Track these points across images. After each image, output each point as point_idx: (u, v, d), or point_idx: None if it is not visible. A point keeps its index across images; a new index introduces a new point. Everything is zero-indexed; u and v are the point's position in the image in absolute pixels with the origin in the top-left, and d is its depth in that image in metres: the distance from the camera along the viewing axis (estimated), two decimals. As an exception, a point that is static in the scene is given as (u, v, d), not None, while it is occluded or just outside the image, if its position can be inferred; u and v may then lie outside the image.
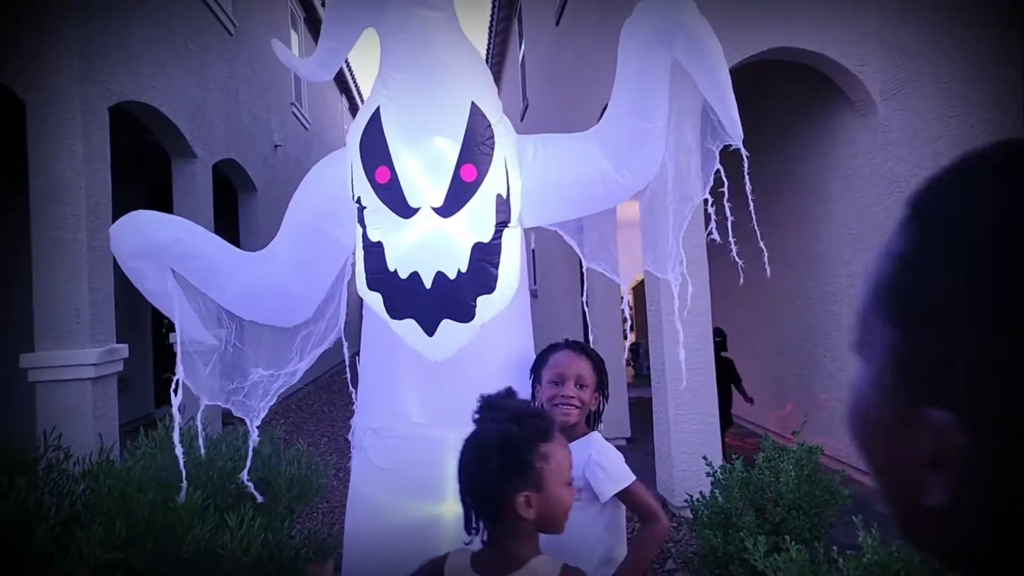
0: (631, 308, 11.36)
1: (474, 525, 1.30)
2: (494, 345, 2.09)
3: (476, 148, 2.11)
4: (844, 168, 5.30)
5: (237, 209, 8.72)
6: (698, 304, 4.42)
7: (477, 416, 1.37)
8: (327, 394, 9.89)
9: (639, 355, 10.58)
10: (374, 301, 2.16)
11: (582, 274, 7.60)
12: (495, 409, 1.34)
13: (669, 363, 4.45)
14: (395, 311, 2.13)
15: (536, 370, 2.06)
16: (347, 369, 2.55)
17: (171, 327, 8.16)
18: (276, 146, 9.75)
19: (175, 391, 2.32)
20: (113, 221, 4.44)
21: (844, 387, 5.41)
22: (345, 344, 2.58)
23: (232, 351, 2.51)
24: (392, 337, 2.13)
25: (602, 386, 2.01)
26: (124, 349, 4.46)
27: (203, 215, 6.46)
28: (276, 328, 2.56)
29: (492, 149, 2.14)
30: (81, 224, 4.17)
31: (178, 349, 2.37)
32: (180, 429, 2.45)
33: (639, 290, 7.87)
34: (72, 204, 4.16)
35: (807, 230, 5.73)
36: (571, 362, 1.97)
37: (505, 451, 1.25)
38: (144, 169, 7.63)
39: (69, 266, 4.15)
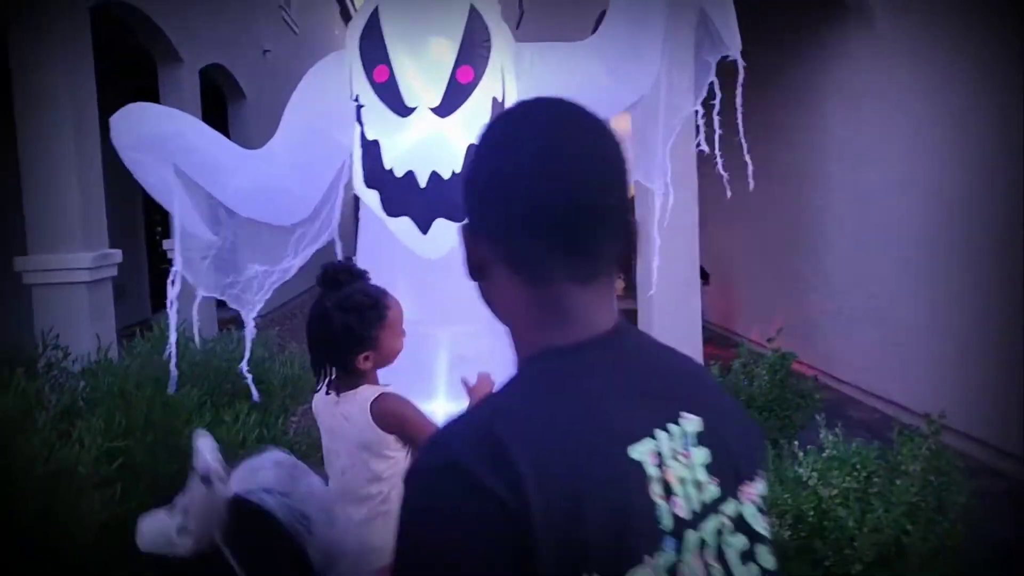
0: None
1: (323, 376, 1.69)
2: None
3: (474, 51, 2.13)
4: (841, 82, 5.24)
5: (227, 117, 8.59)
6: (685, 216, 4.45)
7: (320, 283, 1.70)
8: (291, 328, 9.84)
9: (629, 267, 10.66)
10: (371, 199, 2.21)
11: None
12: (337, 286, 1.68)
13: (655, 271, 4.52)
14: (391, 209, 2.18)
15: None
16: None
17: (165, 234, 8.15)
18: (265, 51, 9.52)
19: (172, 282, 2.39)
20: (100, 128, 4.43)
21: (827, 299, 5.53)
22: (339, 244, 2.63)
23: (229, 247, 2.55)
24: (387, 237, 2.19)
25: None
26: (118, 254, 4.51)
27: (192, 121, 6.38)
28: (273, 226, 2.60)
29: (489, 52, 2.16)
30: (68, 130, 4.14)
31: (176, 242, 2.41)
32: (176, 329, 2.54)
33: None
34: (58, 109, 4.12)
35: (800, 144, 5.72)
36: None
37: (347, 333, 1.63)
38: (130, 75, 7.48)
39: (58, 171, 4.14)
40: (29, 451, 1.73)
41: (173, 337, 2.44)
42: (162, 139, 2.37)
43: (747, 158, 2.41)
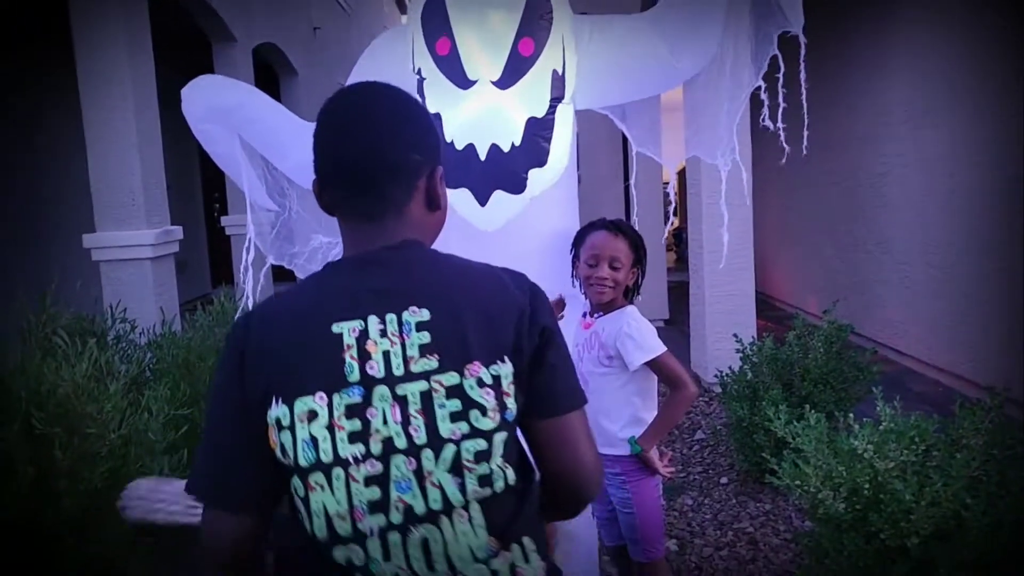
0: (676, 193, 11.22)
1: None
2: (542, 218, 2.15)
3: (535, 23, 2.14)
4: (902, 43, 5.03)
5: (279, 95, 8.73)
6: (739, 190, 4.37)
7: None
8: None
9: (682, 240, 10.53)
10: None
11: (626, 158, 7.50)
12: None
13: (707, 245, 4.47)
14: (450, 180, 2.16)
15: (576, 246, 2.14)
16: None
17: (223, 211, 8.34)
18: (315, 28, 9.60)
19: (247, 249, 2.48)
20: (159, 107, 4.55)
21: (888, 269, 5.38)
22: None
23: (295, 217, 2.63)
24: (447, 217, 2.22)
25: (639, 262, 2.09)
26: (179, 231, 4.65)
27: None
28: None
29: (550, 24, 2.16)
30: (129, 106, 4.27)
31: (248, 211, 2.49)
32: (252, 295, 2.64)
33: (683, 175, 7.76)
34: (119, 84, 4.24)
35: (860, 109, 5.53)
36: (607, 243, 2.04)
37: None
38: (187, 54, 7.65)
39: (121, 148, 4.28)
40: (103, 417, 1.83)
41: (251, 301, 2.53)
42: (228, 110, 2.44)
43: (805, 133, 2.37)
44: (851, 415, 2.16)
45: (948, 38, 4.58)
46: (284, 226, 2.63)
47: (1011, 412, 2.50)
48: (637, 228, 2.25)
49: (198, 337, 2.94)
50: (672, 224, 10.91)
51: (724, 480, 3.47)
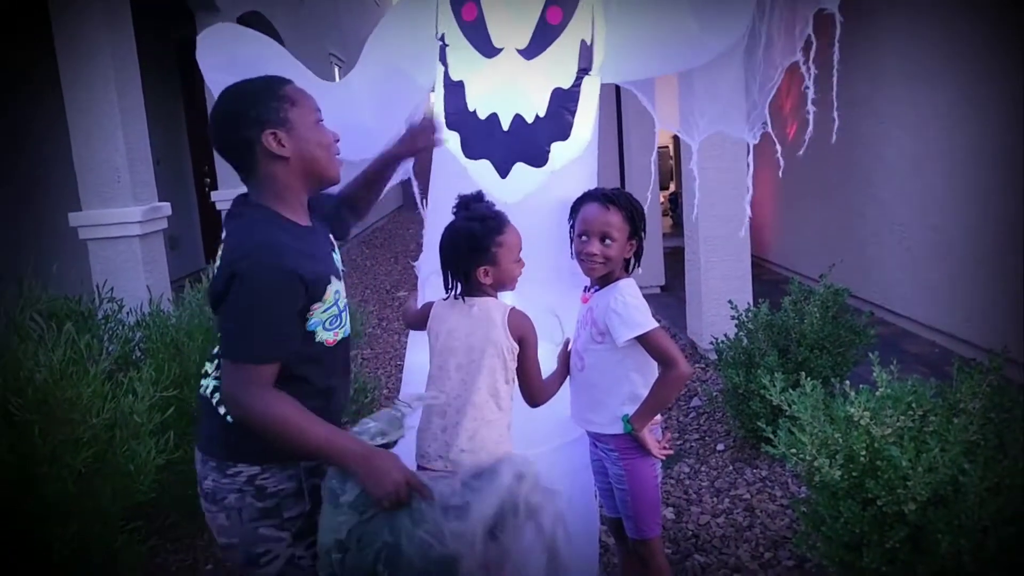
0: (671, 158, 11.11)
1: (450, 287, 1.80)
2: (563, 192, 2.08)
3: None
4: (898, 3, 4.92)
5: (267, 65, 8.57)
6: (736, 153, 4.31)
7: (455, 211, 1.82)
8: (369, 248, 10.11)
9: (677, 206, 10.45)
10: (450, 140, 2.19)
11: (620, 125, 7.36)
12: (467, 208, 1.81)
13: (701, 210, 4.41)
14: (471, 151, 2.16)
15: (571, 218, 2.05)
16: (419, 204, 2.75)
17: (213, 185, 8.28)
18: (302, -4, 9.40)
19: None
20: (144, 79, 4.46)
21: (885, 230, 5.33)
22: (415, 183, 2.71)
23: None
24: (462, 180, 2.16)
25: (636, 233, 1.99)
26: (167, 207, 4.59)
27: (232, 71, 6.38)
28: (347, 161, 2.69)
29: None
30: (110, 83, 4.17)
31: None
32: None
33: (678, 140, 7.66)
34: (99, 63, 4.14)
35: (852, 68, 5.43)
36: (597, 216, 1.94)
37: (470, 239, 1.73)
38: (170, 25, 7.49)
39: (103, 126, 4.19)
40: (82, 402, 1.79)
41: None
42: (245, 61, 2.36)
43: (835, 115, 2.38)
44: (847, 382, 2.12)
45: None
46: None
47: (1010, 373, 2.48)
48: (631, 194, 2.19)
49: (186, 315, 2.90)
50: (671, 189, 10.84)
51: (721, 447, 3.46)
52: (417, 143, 1.95)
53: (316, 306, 1.47)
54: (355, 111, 2.48)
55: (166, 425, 2.22)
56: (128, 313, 3.13)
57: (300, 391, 1.46)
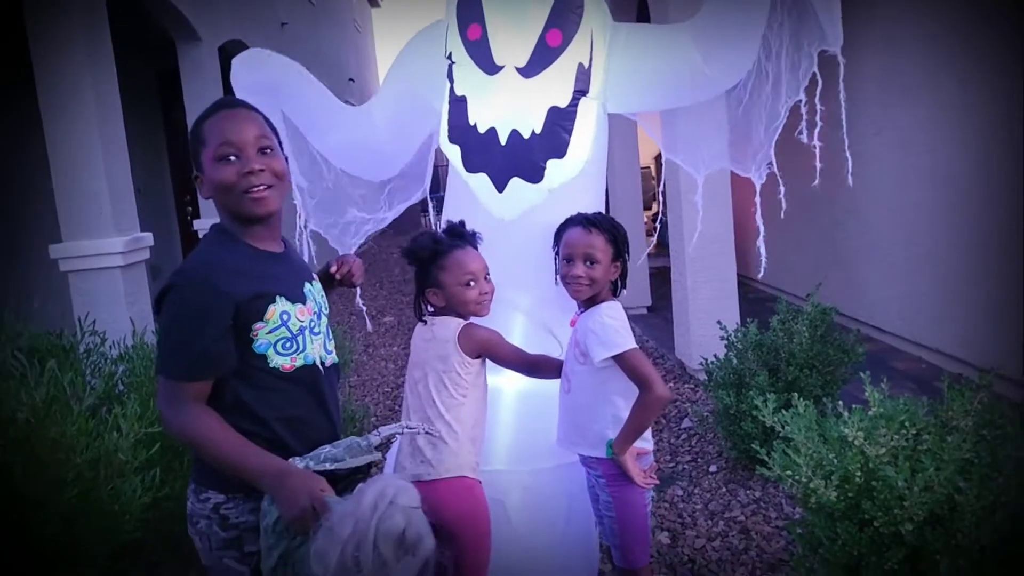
0: (654, 179, 11.19)
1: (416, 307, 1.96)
2: (564, 213, 2.10)
3: (565, 15, 2.18)
4: (877, 20, 5.00)
5: (249, 93, 8.57)
6: (719, 176, 4.34)
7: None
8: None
9: (662, 225, 10.50)
10: (452, 154, 2.32)
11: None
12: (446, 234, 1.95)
13: (686, 231, 4.43)
14: (470, 164, 2.27)
15: (556, 243, 2.06)
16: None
17: (196, 214, 8.24)
18: (283, 24, 9.44)
19: (300, 215, 2.65)
20: (123, 114, 4.43)
21: (868, 247, 5.37)
22: (431, 203, 2.87)
23: (332, 191, 2.76)
24: (468, 196, 2.28)
25: (619, 255, 2.00)
26: (149, 237, 4.54)
27: (213, 99, 6.37)
28: (365, 180, 2.82)
29: (580, 19, 2.20)
30: (91, 115, 4.14)
31: (292, 181, 2.55)
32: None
33: (659, 160, 7.71)
34: (79, 95, 4.12)
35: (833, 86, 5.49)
36: (580, 240, 1.95)
37: (416, 262, 1.90)
38: (150, 57, 7.48)
39: (84, 157, 4.16)
40: (66, 441, 1.75)
41: (308, 256, 2.64)
42: (275, 85, 2.52)
43: (847, 154, 2.50)
44: (839, 401, 2.12)
45: (926, 17, 4.56)
46: (323, 198, 2.76)
47: (999, 389, 2.47)
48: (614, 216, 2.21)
49: (170, 348, 2.85)
50: (653, 209, 10.90)
51: (713, 468, 3.44)
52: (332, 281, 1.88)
53: (259, 326, 1.45)
54: (373, 135, 2.61)
55: (151, 462, 2.17)
56: (111, 346, 3.08)
57: (252, 418, 1.45)
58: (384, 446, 1.58)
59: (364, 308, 3.05)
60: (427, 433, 1.76)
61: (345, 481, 1.47)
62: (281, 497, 1.35)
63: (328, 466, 1.43)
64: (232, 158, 1.47)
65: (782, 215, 2.39)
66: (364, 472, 1.53)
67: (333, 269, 1.83)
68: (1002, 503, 1.80)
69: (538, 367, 2.02)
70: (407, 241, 1.95)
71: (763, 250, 2.52)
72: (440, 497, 1.69)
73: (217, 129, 1.49)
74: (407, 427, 1.69)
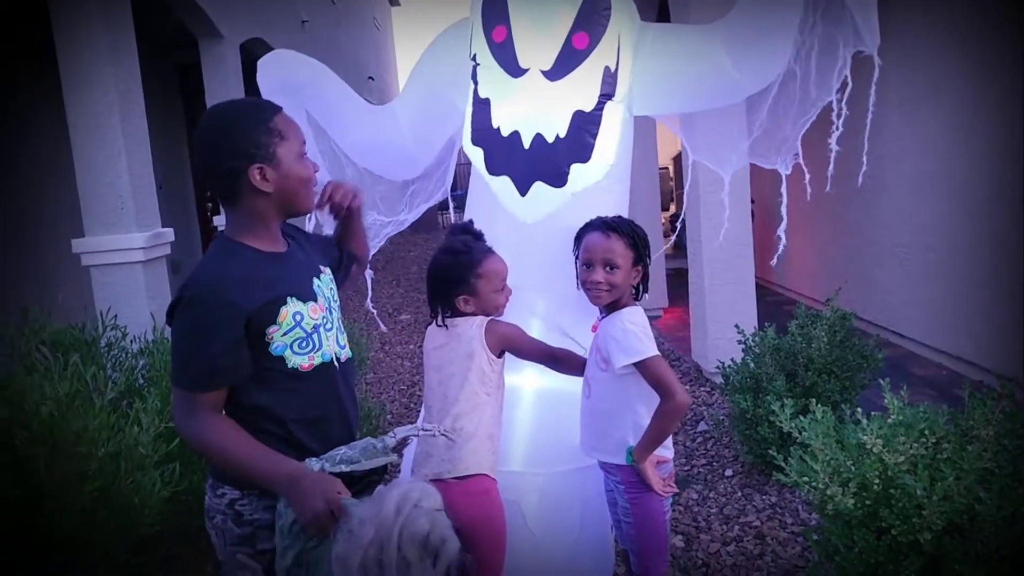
0: (672, 180, 11.15)
1: (434, 313, 1.95)
2: (586, 217, 2.08)
3: (592, 17, 2.15)
4: (896, 26, 4.96)
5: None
6: (739, 175, 4.31)
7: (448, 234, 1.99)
8: (372, 271, 10.09)
9: (681, 227, 10.46)
10: (475, 156, 2.30)
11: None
12: (451, 238, 1.96)
13: (705, 233, 4.41)
14: (493, 167, 2.25)
15: (576, 248, 2.04)
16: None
17: (216, 210, 8.29)
18: (303, 22, 9.50)
19: (309, 220, 2.63)
20: (150, 104, 4.47)
21: (886, 252, 5.32)
22: (452, 204, 2.88)
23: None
24: (490, 198, 2.26)
25: (640, 260, 1.98)
26: (170, 233, 4.58)
27: (234, 96, 6.42)
28: (389, 180, 2.81)
29: (608, 21, 2.16)
30: (114, 110, 4.19)
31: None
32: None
33: (679, 161, 7.67)
34: (103, 90, 4.16)
35: (855, 91, 5.45)
36: (599, 245, 1.93)
37: (447, 271, 1.89)
38: (173, 53, 7.55)
39: (107, 152, 4.20)
40: (88, 435, 1.77)
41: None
42: (300, 85, 2.53)
43: (864, 158, 2.60)
44: (858, 408, 2.10)
45: (943, 22, 4.51)
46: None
47: (1021, 397, 2.45)
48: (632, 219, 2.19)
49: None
50: (671, 210, 10.86)
51: (729, 472, 3.43)
52: (334, 208, 1.85)
53: (272, 329, 1.47)
54: (396, 135, 2.60)
55: (171, 456, 2.20)
56: (131, 340, 3.11)
57: (271, 420, 1.47)
58: (399, 447, 1.59)
59: (375, 311, 3.03)
60: (443, 435, 1.76)
61: (361, 483, 1.48)
62: (295, 500, 1.36)
63: (344, 468, 1.44)
64: (307, 155, 1.57)
65: (801, 216, 2.35)
66: (379, 474, 1.54)
67: (322, 210, 1.80)
68: (1022, 513, 1.78)
69: (561, 360, 2.02)
70: (438, 252, 1.93)
71: (783, 238, 2.47)
72: (457, 498, 1.69)
73: (292, 128, 1.54)
74: (423, 428, 1.69)
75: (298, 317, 1.50)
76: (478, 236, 1.96)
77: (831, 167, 2.30)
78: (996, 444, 1.89)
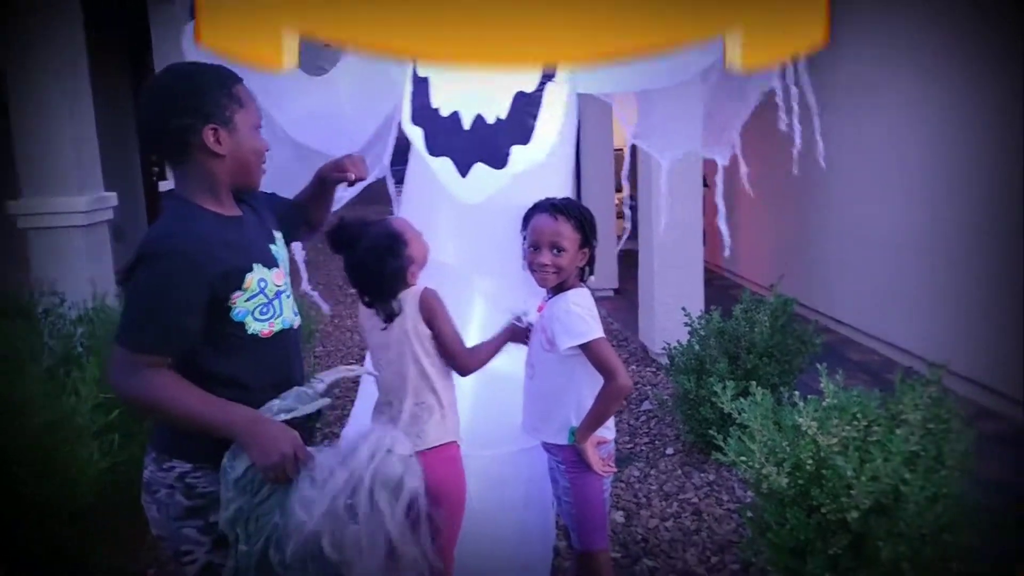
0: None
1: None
2: (529, 197, 2.06)
3: None
4: (842, 26, 5.05)
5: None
6: (690, 163, 4.37)
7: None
8: (321, 243, 9.96)
9: (634, 211, 10.55)
10: (415, 136, 2.26)
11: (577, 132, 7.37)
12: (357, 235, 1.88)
13: (654, 216, 4.47)
14: (433, 148, 2.22)
15: (523, 228, 2.04)
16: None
17: (161, 175, 8.04)
18: (257, -16, 9.22)
19: None
20: (89, 66, 4.30)
21: (829, 241, 5.48)
22: (391, 182, 2.73)
23: (287, 166, 2.58)
24: (431, 178, 2.23)
25: (587, 242, 1.99)
26: (113, 197, 4.44)
27: (185, 59, 6.21)
28: (326, 156, 2.69)
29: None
30: (56, 67, 4.02)
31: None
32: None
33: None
34: (43, 48, 3.99)
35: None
36: (547, 227, 1.92)
37: (386, 264, 1.79)
38: (120, 10, 7.26)
39: (48, 115, 4.04)
40: (25, 402, 1.73)
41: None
42: None
43: (818, 137, 2.55)
44: (796, 391, 2.17)
45: (892, 21, 4.62)
46: (275, 173, 2.65)
47: (948, 383, 2.55)
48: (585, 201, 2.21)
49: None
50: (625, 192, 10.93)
51: (670, 451, 3.51)
52: (329, 177, 1.92)
53: (237, 295, 1.45)
54: (336, 103, 2.52)
55: (110, 427, 2.15)
56: (70, 307, 3.02)
57: (228, 385, 1.45)
58: (329, 391, 1.57)
59: (316, 293, 2.94)
60: (369, 373, 1.78)
61: (300, 430, 1.48)
62: (259, 444, 1.36)
63: (284, 416, 1.45)
64: (260, 129, 1.55)
65: (749, 204, 2.41)
66: (314, 420, 1.55)
67: (349, 175, 1.85)
68: (944, 494, 1.87)
69: (467, 356, 1.92)
70: (363, 254, 1.86)
71: (724, 230, 2.52)
72: (426, 466, 1.70)
73: (252, 101, 1.53)
74: (349, 370, 1.71)
75: (262, 284, 1.49)
76: (361, 224, 1.91)
77: (796, 150, 2.33)
78: (923, 428, 1.98)
